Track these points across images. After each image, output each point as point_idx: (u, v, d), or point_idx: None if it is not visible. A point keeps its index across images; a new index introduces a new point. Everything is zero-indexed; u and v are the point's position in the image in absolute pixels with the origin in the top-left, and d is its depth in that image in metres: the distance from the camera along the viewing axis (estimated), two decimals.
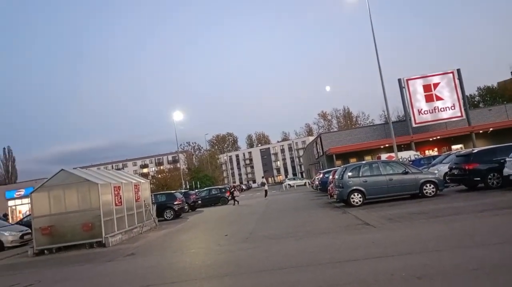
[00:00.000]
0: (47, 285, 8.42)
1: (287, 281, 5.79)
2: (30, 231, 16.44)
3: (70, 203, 13.93)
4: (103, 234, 13.51)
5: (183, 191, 32.35)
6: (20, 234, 17.82)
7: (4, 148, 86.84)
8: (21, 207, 41.74)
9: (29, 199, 14.73)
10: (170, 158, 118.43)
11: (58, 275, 9.36)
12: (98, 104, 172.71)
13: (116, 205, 14.99)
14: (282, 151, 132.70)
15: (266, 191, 36.17)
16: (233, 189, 33.14)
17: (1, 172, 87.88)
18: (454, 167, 16.15)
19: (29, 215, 18.76)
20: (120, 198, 15.56)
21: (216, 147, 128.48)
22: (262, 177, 67.84)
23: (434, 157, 24.54)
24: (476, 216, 9.36)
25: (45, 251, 13.63)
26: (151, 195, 21.29)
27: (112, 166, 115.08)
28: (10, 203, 42.21)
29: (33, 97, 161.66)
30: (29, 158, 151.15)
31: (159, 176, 52.16)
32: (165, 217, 22.49)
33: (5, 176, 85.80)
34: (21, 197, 41.47)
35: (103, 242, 13.46)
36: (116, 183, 15.58)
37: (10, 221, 33.56)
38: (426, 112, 40.16)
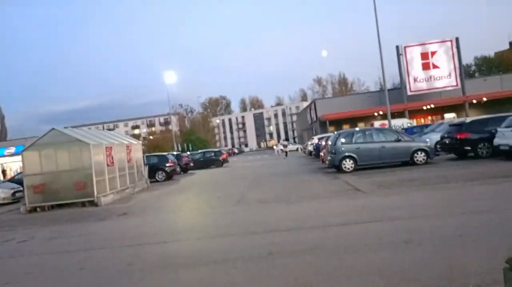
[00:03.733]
0: (41, 241, 8.51)
1: (277, 243, 5.89)
2: (22, 188, 16.46)
3: (62, 162, 13.86)
4: (95, 193, 13.57)
5: (175, 153, 32.30)
6: (12, 191, 17.84)
7: None
8: (11, 165, 41.58)
9: (20, 157, 14.64)
10: (162, 119, 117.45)
11: (51, 232, 9.45)
12: (90, 63, 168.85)
13: (108, 165, 14.98)
14: (276, 115, 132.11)
15: (286, 152, 39.48)
16: None
17: None
18: (446, 135, 16.28)
19: (21, 172, 18.75)
20: (112, 159, 15.53)
21: (209, 109, 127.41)
22: (283, 140, 79.35)
23: (426, 125, 24.65)
24: (464, 185, 9.52)
25: (38, 209, 13.71)
26: (143, 156, 21.29)
27: (103, 126, 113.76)
28: (0, 160, 41.98)
29: (24, 54, 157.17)
30: (19, 116, 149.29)
31: (151, 137, 51.87)
32: (157, 178, 22.60)
33: None
34: (11, 155, 41.18)
35: (95, 201, 13.54)
36: (108, 143, 15.49)
37: (2, 178, 33.65)
38: (421, 80, 39.99)
